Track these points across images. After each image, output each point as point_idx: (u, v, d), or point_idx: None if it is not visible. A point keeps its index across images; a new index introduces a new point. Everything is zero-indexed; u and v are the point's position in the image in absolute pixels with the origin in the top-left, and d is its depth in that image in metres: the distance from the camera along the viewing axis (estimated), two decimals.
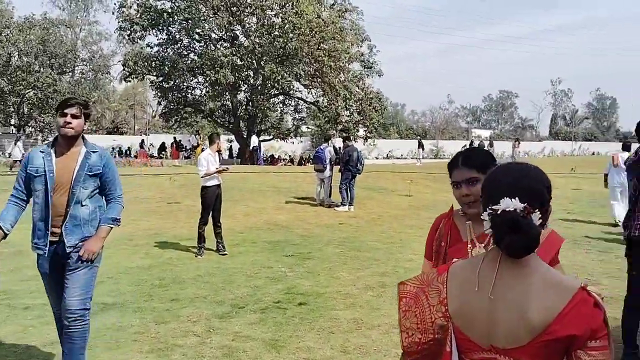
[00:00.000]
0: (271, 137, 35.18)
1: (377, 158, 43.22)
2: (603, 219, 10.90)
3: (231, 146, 37.82)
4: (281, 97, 34.20)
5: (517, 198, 1.30)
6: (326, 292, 5.60)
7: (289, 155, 39.28)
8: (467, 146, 34.60)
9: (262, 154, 33.48)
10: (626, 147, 11.49)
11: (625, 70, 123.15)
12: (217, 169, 7.48)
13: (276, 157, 37.89)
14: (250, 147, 31.40)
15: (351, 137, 12.16)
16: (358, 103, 33.33)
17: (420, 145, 34.35)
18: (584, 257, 7.40)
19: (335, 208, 11.71)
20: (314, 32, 27.49)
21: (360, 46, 34.12)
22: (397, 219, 10.67)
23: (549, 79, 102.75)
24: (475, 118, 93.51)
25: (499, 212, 1.30)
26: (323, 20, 28.34)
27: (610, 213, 10.93)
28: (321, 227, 9.57)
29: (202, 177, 7.44)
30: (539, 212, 1.30)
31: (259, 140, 32.92)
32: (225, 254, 7.39)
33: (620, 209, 10.70)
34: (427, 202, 13.34)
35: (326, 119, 32.09)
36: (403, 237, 8.69)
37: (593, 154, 57.25)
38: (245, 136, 31.80)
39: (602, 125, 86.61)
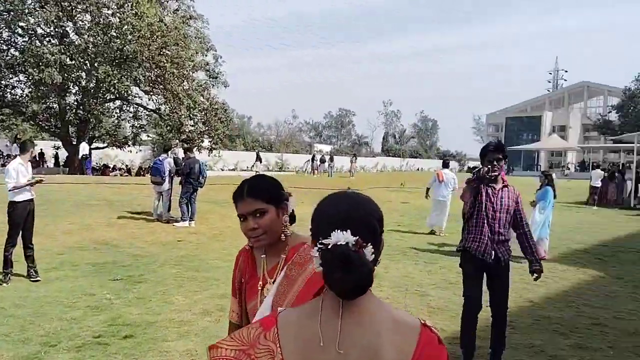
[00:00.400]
0: (105, 144, 32.39)
1: (222, 170, 42.47)
2: (427, 230, 11.86)
3: (57, 153, 34.04)
4: (118, 102, 31.74)
5: (348, 230, 1.13)
6: (157, 321, 5.06)
7: (126, 165, 36.62)
8: (310, 160, 35.87)
9: (91, 163, 30.63)
10: (446, 165, 12.80)
11: (444, 95, 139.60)
12: (28, 181, 6.43)
13: (110, 166, 35.03)
14: (80, 155, 28.55)
15: (193, 148, 11.55)
16: (203, 113, 32.40)
17: (258, 158, 34.73)
18: (413, 268, 7.87)
19: (175, 224, 10.99)
20: (155, 36, 26.07)
21: (206, 55, 33.34)
22: (240, 234, 10.32)
23: (382, 100, 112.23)
24: (317, 133, 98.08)
25: (329, 247, 1.12)
26: (166, 25, 27.06)
27: (427, 223, 12.02)
28: (157, 246, 8.85)
29: (9, 190, 6.33)
30: (371, 247, 1.15)
31: (90, 148, 30.12)
32: (38, 280, 6.38)
33: (435, 219, 11.80)
34: None
35: (168, 127, 30.62)
36: None
37: (418, 169, 63.49)
38: (74, 143, 28.78)
39: (425, 144, 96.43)
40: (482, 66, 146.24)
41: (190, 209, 11.16)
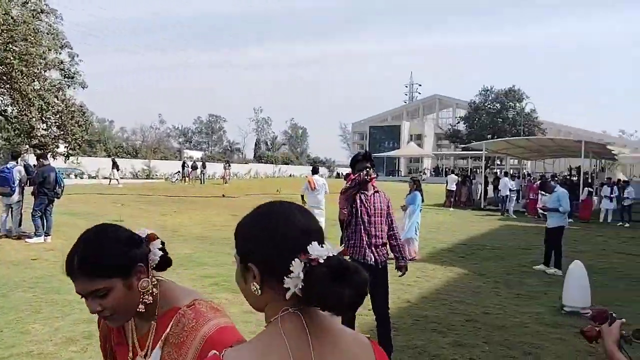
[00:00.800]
0: None
1: (81, 178, 39.02)
2: None
3: None
4: None
5: (323, 242, 1.00)
6: (12, 355, 4.35)
7: None
8: (181, 167, 34.37)
9: None
10: (315, 171, 13.04)
11: (313, 103, 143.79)
12: None
13: None
14: None
15: (47, 155, 10.34)
16: (57, 116, 29.53)
17: (115, 165, 32.66)
18: None
19: (27, 240, 9.72)
20: (0, 30, 23.19)
21: (59, 53, 30.45)
22: None
23: (252, 107, 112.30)
24: (187, 139, 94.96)
25: (321, 261, 0.95)
26: (12, 18, 24.20)
27: None
28: (7, 266, 7.72)
29: None
30: None
31: None
32: None
33: None
34: (138, 227, 12.42)
35: (17, 131, 27.40)
36: None
37: (290, 175, 64.39)
38: None
39: (296, 151, 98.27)
40: (347, 76, 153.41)
41: (45, 223, 9.96)
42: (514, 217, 19.70)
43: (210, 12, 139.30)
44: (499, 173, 26.87)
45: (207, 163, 35.83)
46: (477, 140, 65.79)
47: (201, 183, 32.16)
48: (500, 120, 64.62)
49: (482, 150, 24.62)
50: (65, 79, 31.28)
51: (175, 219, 14.51)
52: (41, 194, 9.94)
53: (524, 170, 40.41)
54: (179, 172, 37.19)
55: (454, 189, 22.57)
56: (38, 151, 10.02)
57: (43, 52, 27.12)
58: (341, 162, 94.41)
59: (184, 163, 34.77)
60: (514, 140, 24.20)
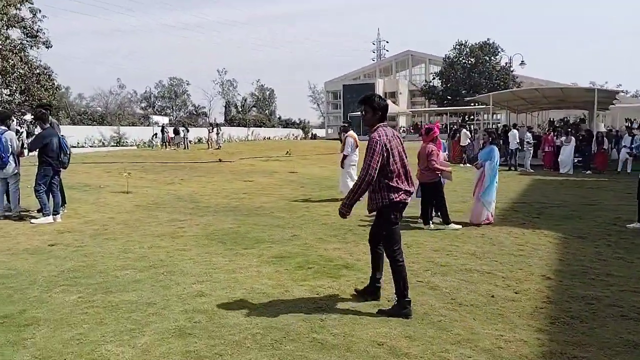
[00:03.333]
0: None
1: None
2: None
3: None
4: None
5: None
6: None
7: None
8: (160, 132, 32.09)
9: None
10: (346, 129, 11.65)
11: (279, 63, 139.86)
12: None
13: None
14: None
15: (49, 116, 8.52)
16: (20, 80, 26.84)
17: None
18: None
19: (33, 220, 8.02)
20: None
21: (19, 9, 27.41)
22: (131, 226, 7.89)
23: (216, 69, 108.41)
24: (149, 104, 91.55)
25: None
26: None
27: (340, 189, 10.97)
28: (24, 257, 6.08)
29: None
30: None
31: None
32: None
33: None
34: (153, 199, 10.78)
35: None
36: (161, 254, 6.17)
37: (264, 138, 62.24)
38: None
39: (264, 113, 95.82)
40: (316, 35, 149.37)
41: (53, 199, 8.25)
42: (531, 170, 18.82)
43: None
44: (497, 126, 25.96)
45: (190, 128, 33.46)
46: (453, 96, 65.39)
47: (185, 149, 30.13)
48: (476, 74, 63.92)
49: (488, 102, 23.55)
50: (28, 38, 28.33)
51: (185, 188, 12.86)
52: (44, 164, 8.18)
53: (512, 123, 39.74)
54: (155, 134, 34.88)
55: (467, 144, 21.46)
56: (41, 111, 8.18)
57: (2, 6, 24.21)
58: (315, 124, 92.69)
59: (162, 128, 32.47)
60: (521, 91, 23.22)
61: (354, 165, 11.07)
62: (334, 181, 14.82)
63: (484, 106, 60.07)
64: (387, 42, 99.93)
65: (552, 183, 14.77)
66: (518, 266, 5.73)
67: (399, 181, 4.18)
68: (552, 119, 40.12)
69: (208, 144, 31.22)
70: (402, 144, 4.31)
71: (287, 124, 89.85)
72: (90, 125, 51.12)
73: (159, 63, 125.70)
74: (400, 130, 62.00)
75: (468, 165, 20.10)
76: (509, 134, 19.46)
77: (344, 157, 10.91)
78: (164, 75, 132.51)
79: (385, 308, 4.26)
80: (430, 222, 8.06)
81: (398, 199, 4.18)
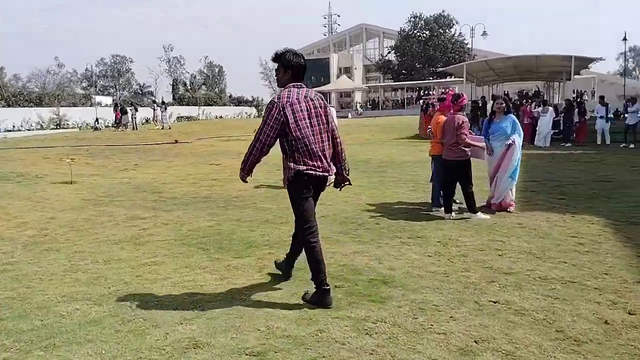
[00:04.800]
0: None
1: None
2: None
3: None
4: None
5: None
6: None
7: None
8: (114, 111, 29.19)
9: None
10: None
11: (227, 40, 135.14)
12: None
13: None
14: None
15: None
16: None
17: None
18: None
19: None
20: None
21: None
22: (78, 229, 6.12)
23: (162, 45, 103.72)
24: (91, 83, 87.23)
25: None
26: None
27: None
28: None
29: None
30: None
31: None
32: None
33: None
34: (104, 190, 8.92)
35: None
36: (124, 272, 4.50)
37: (216, 117, 59.58)
38: None
39: (214, 91, 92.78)
40: (265, 10, 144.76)
41: None
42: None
43: None
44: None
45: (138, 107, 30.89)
46: (408, 71, 64.67)
47: (134, 129, 27.66)
48: (431, 48, 63.37)
49: (459, 73, 22.47)
50: None
51: (142, 174, 10.99)
52: None
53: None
54: (97, 120, 32.19)
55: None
56: None
57: None
58: (268, 101, 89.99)
59: (115, 106, 29.67)
60: (494, 60, 22.29)
61: None
62: None
63: (438, 80, 60.15)
64: (339, 15, 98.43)
65: (544, 158, 13.79)
66: (598, 269, 4.45)
67: (304, 154, 3.68)
68: (506, 92, 39.79)
69: (160, 123, 28.86)
70: (322, 111, 3.77)
71: (239, 102, 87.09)
72: (27, 107, 47.17)
73: (100, 41, 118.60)
74: (358, 106, 60.81)
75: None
76: (487, 107, 18.44)
77: None
78: (105, 53, 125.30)
79: (309, 295, 3.77)
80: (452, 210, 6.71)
81: (305, 171, 3.68)
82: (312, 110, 3.72)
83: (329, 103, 41.70)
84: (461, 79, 46.68)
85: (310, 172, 3.69)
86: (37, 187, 8.94)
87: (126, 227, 6.22)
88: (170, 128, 27.37)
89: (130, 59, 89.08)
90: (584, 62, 22.04)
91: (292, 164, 3.69)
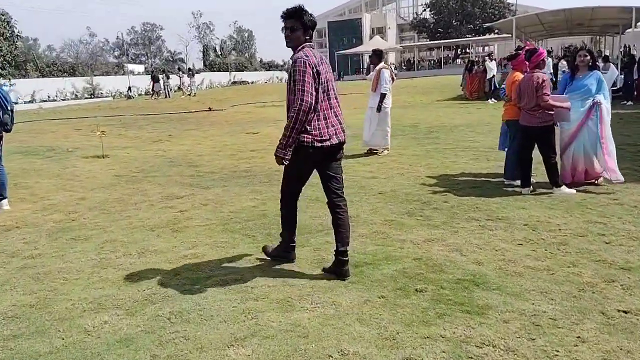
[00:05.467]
0: None
1: (16, 103, 32.82)
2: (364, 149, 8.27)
3: None
4: None
5: None
6: None
7: None
8: (152, 80, 28.89)
9: None
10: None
11: (256, 4, 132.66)
12: None
13: None
14: None
15: None
16: None
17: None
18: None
19: None
20: None
21: None
22: (109, 212, 5.51)
23: (190, 12, 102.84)
24: (122, 52, 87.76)
25: None
26: None
27: (367, 139, 8.64)
28: None
29: None
30: None
31: None
32: None
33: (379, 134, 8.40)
34: (138, 164, 8.32)
35: None
36: (160, 270, 3.86)
37: (247, 82, 58.70)
38: None
39: (244, 56, 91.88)
40: None
41: None
42: None
43: None
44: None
45: (169, 73, 30.30)
46: (444, 29, 61.88)
47: (166, 97, 27.17)
48: (469, 4, 60.30)
49: (509, 28, 20.84)
50: None
51: (177, 146, 10.35)
52: None
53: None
54: (129, 88, 31.76)
55: (492, 77, 18.95)
56: None
57: None
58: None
59: (153, 75, 29.12)
60: (545, 13, 20.54)
61: (389, 108, 8.70)
62: (354, 128, 12.43)
63: (476, 37, 57.36)
64: None
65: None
66: None
67: (326, 117, 3.40)
68: (551, 48, 37.33)
69: (185, 92, 28.22)
70: (332, 76, 3.50)
71: (270, 66, 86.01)
72: (60, 77, 47.41)
73: (130, 8, 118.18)
74: (392, 67, 58.98)
75: (494, 100, 17.72)
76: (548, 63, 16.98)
77: (382, 96, 8.46)
78: (136, 21, 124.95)
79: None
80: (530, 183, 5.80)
81: (320, 143, 3.36)
82: (330, 74, 3.48)
83: (363, 66, 40.81)
84: (507, 35, 44.23)
85: (328, 145, 3.39)
86: (68, 163, 8.40)
87: (162, 208, 5.57)
88: (194, 95, 26.77)
89: (160, 27, 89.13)
90: None
91: (306, 128, 3.32)
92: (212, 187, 6.60)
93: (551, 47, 37.22)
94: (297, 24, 3.33)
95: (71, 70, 58.10)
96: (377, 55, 8.80)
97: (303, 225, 4.77)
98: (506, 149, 6.28)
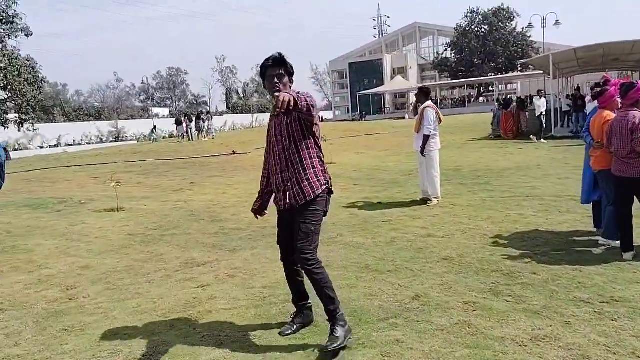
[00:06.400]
0: None
1: (41, 147, 32.91)
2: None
3: None
4: None
5: None
6: None
7: None
8: (186, 123, 28.43)
9: None
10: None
11: (275, 47, 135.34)
12: None
13: None
14: None
15: None
16: (1, 74, 23.53)
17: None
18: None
19: None
20: None
21: None
22: (116, 287, 4.52)
23: (214, 56, 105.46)
24: (148, 96, 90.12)
25: None
26: None
27: (423, 188, 7.57)
28: None
29: None
30: None
31: None
32: None
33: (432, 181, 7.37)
34: (156, 220, 7.37)
35: None
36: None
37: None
38: None
39: (266, 98, 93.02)
40: (311, 16, 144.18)
41: None
42: None
43: None
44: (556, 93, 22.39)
45: (192, 116, 29.93)
46: (467, 68, 61.34)
47: (190, 140, 26.70)
48: (492, 43, 59.95)
49: (541, 65, 19.87)
50: (4, 26, 24.85)
51: (199, 195, 9.44)
52: None
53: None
54: (155, 127, 31.27)
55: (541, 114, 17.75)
56: None
57: None
58: (319, 106, 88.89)
59: (187, 117, 28.67)
60: (582, 48, 19.53)
61: (436, 151, 7.72)
62: (391, 173, 11.44)
63: (499, 76, 56.68)
64: (389, 17, 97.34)
65: None
66: None
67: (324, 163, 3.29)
68: (577, 85, 36.17)
69: (206, 134, 27.57)
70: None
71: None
72: (86, 121, 48.01)
73: (156, 54, 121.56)
74: (412, 107, 58.32)
75: (543, 141, 16.56)
76: (586, 100, 15.85)
77: (426, 138, 7.49)
78: (161, 66, 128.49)
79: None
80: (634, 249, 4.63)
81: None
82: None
83: (385, 106, 40.05)
84: (532, 72, 43.21)
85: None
86: (77, 218, 7.50)
87: (179, 281, 4.55)
88: (213, 138, 26.22)
89: (185, 71, 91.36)
90: None
91: (321, 172, 3.22)
92: (239, 249, 5.59)
93: (578, 84, 36.14)
94: (284, 71, 3.22)
95: (97, 114, 59.06)
96: (425, 93, 7.91)
97: (359, 308, 3.70)
98: (605, 206, 5.10)
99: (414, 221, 6.44)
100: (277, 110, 2.70)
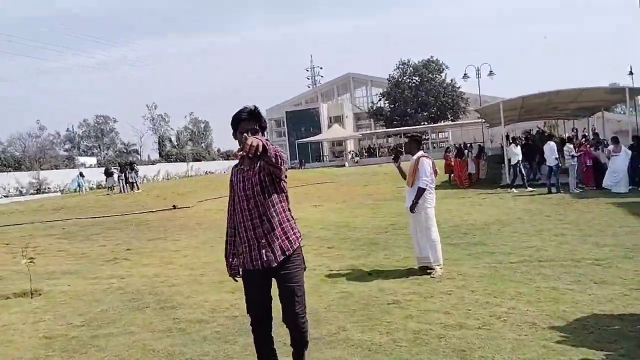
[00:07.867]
0: None
1: None
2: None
3: None
4: None
5: None
6: None
7: None
8: (118, 174, 25.80)
9: None
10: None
11: (211, 95, 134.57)
12: None
13: None
14: None
15: None
16: None
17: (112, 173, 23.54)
18: None
19: None
20: None
21: None
22: None
23: (145, 104, 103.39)
24: (74, 145, 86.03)
25: None
26: None
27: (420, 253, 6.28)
28: None
29: None
30: None
31: None
32: None
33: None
34: (83, 311, 5.54)
35: None
36: None
37: (206, 172, 56.78)
38: None
39: (200, 146, 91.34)
40: (242, 65, 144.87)
41: None
42: (577, 191, 14.93)
43: (72, 14, 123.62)
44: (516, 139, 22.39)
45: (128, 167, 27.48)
46: (401, 116, 62.72)
47: (121, 192, 24.31)
48: (424, 93, 61.96)
49: (489, 114, 19.85)
50: None
51: (139, 268, 7.59)
52: None
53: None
54: (80, 173, 28.34)
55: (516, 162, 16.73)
56: None
57: None
58: None
59: (124, 166, 26.04)
60: (532, 96, 19.59)
61: (432, 208, 6.59)
62: (364, 230, 10.12)
63: (433, 125, 58.42)
64: (321, 68, 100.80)
65: (629, 206, 10.76)
66: None
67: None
68: (507, 133, 37.23)
69: (135, 189, 25.21)
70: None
71: (228, 156, 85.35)
72: (4, 172, 43.84)
73: (82, 102, 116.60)
74: (353, 155, 58.27)
75: (514, 190, 15.89)
76: (544, 148, 15.50)
77: (420, 191, 6.33)
78: (88, 114, 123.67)
79: None
80: None
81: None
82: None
83: (323, 153, 39.84)
84: (465, 122, 44.41)
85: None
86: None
87: None
88: (138, 189, 24.10)
89: (113, 119, 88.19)
90: (636, 93, 19.55)
91: (295, 225, 3.20)
92: (206, 356, 3.97)
93: (506, 132, 37.11)
94: (258, 126, 3.11)
95: (17, 165, 54.52)
96: (417, 142, 6.82)
97: None
98: None
99: (427, 302, 5.09)
100: (244, 153, 2.53)
